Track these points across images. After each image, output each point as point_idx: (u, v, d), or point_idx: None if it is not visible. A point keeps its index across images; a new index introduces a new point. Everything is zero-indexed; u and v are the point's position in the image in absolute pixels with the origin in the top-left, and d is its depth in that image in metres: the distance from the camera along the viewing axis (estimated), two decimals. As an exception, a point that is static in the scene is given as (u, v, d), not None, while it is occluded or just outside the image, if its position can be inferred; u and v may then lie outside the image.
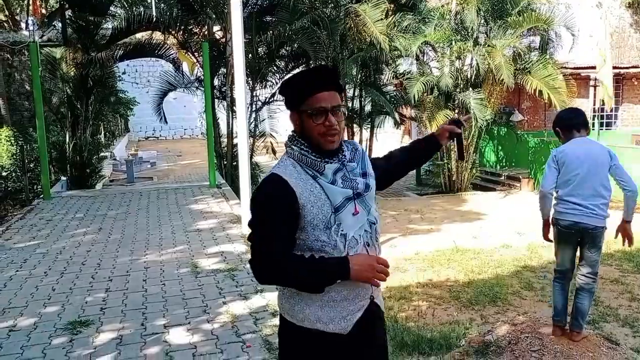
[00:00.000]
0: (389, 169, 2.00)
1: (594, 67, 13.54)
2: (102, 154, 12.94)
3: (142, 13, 11.16)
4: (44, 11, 14.55)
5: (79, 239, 6.20)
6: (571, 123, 3.76)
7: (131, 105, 14.45)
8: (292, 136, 1.72)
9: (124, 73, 19.62)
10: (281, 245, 1.60)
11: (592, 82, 14.26)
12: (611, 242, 7.21)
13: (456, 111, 12.32)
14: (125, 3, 14.33)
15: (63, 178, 10.57)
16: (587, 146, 3.68)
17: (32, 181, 11.08)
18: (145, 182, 15.46)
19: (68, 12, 10.86)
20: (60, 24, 10.26)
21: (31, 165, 11.07)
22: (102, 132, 16.11)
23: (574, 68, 13.61)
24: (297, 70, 12.79)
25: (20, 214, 7.82)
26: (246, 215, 6.26)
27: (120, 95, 12.85)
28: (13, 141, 11.47)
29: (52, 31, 10.44)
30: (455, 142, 2.11)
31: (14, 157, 11.01)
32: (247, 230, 5.17)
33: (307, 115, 1.64)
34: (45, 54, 10.12)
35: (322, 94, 1.64)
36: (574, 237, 3.71)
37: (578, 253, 3.85)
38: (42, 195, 9.02)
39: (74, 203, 8.47)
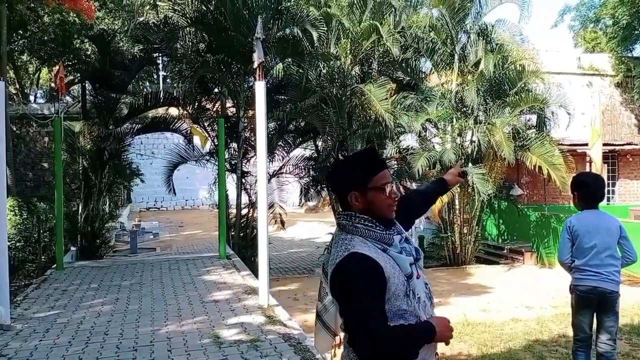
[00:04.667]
0: (412, 211, 2.30)
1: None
2: (110, 224, 13.07)
3: (159, 90, 11.73)
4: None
5: (98, 309, 6.26)
6: (596, 196, 3.97)
7: (140, 177, 14.83)
8: (350, 214, 1.85)
9: (128, 144, 20.17)
10: (385, 318, 1.70)
11: (588, 158, 14.76)
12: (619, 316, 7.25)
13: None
14: (136, 83, 15.02)
15: (73, 248, 10.68)
16: (600, 218, 3.93)
17: (35, 251, 11.16)
18: (148, 252, 15.49)
19: (88, 88, 11.45)
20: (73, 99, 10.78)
21: (35, 236, 11.18)
22: (107, 203, 16.32)
23: (570, 145, 14.15)
24: (304, 145, 13.30)
25: (35, 284, 7.87)
26: (264, 287, 6.36)
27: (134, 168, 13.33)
28: (17, 211, 11.65)
29: (72, 106, 10.91)
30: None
31: (17, 227, 11.16)
32: (265, 303, 5.40)
33: (377, 191, 1.83)
34: (65, 128, 10.53)
35: (384, 172, 1.87)
36: (593, 301, 3.90)
37: (595, 322, 4.01)
38: (54, 266, 9.09)
39: (87, 273, 8.54)
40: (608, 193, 16.23)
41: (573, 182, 4.11)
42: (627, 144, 16.54)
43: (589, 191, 3.96)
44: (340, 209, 1.90)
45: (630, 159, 16.26)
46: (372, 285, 1.69)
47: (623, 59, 21.27)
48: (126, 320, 5.81)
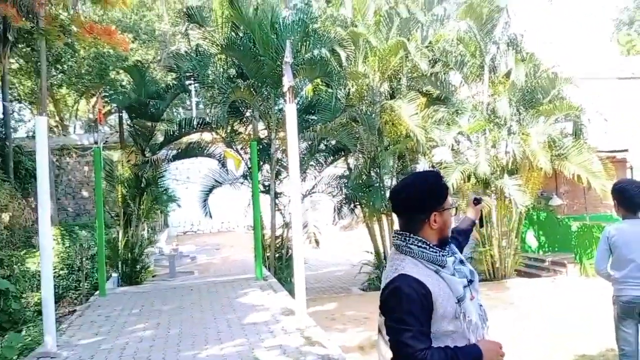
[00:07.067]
0: (459, 244, 2.44)
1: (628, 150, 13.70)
2: (149, 249, 13.33)
3: (192, 117, 11.99)
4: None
5: (140, 334, 6.36)
6: (635, 203, 3.84)
7: (176, 202, 15.16)
8: (405, 235, 1.89)
9: (164, 170, 20.67)
10: (428, 341, 1.73)
11: (628, 164, 14.32)
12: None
13: (493, 196, 12.42)
14: (170, 110, 15.40)
15: (114, 275, 10.92)
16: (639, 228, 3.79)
17: (78, 279, 11.46)
18: (187, 276, 15.67)
19: (125, 118, 11.82)
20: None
21: (78, 264, 11.50)
22: (145, 229, 16.67)
23: (609, 151, 13.75)
24: (336, 163, 13.31)
25: (79, 312, 8.06)
26: (301, 308, 6.37)
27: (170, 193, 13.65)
28: (60, 240, 12.03)
29: (109, 135, 11.26)
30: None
31: (60, 255, 11.51)
32: (303, 324, 5.46)
33: (449, 211, 1.93)
34: (104, 157, 10.88)
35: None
36: (635, 311, 3.77)
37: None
38: (97, 293, 9.30)
39: (129, 299, 8.71)
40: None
41: (612, 190, 4.05)
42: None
43: (627, 198, 3.86)
44: (397, 229, 1.95)
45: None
46: (416, 307, 1.73)
47: (660, 60, 20.66)
48: (168, 344, 5.88)
